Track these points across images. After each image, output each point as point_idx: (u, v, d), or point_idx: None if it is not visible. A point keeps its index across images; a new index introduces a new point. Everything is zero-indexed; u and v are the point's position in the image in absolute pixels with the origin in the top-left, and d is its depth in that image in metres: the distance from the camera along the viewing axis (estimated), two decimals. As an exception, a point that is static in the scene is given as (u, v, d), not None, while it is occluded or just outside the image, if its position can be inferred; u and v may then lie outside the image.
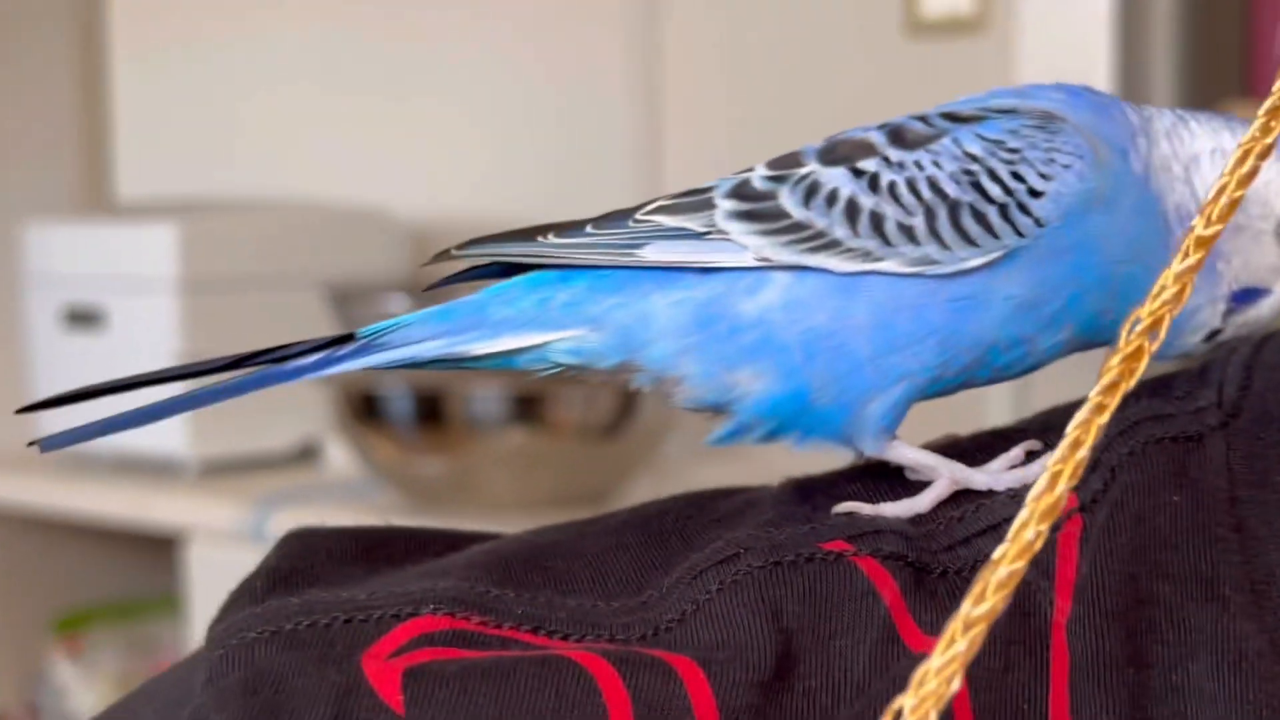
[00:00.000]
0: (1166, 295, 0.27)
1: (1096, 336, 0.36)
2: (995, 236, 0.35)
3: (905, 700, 0.25)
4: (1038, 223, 0.35)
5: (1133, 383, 0.27)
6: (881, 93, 1.48)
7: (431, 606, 0.32)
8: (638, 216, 0.37)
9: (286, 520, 1.26)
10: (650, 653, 0.32)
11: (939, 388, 0.35)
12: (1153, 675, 0.31)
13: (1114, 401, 0.26)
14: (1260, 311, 0.36)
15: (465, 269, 0.38)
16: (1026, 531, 0.26)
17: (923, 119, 0.36)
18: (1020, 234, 0.35)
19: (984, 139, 0.35)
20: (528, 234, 0.37)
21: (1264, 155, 0.27)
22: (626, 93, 1.59)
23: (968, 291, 0.35)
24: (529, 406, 1.31)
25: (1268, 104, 0.27)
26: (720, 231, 0.36)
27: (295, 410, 1.47)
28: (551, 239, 0.36)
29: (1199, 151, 0.36)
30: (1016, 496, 0.34)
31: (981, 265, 0.34)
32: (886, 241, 0.35)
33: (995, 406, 1.15)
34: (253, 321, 1.47)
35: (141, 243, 1.47)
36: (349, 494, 1.37)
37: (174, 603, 1.49)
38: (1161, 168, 0.36)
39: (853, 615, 0.32)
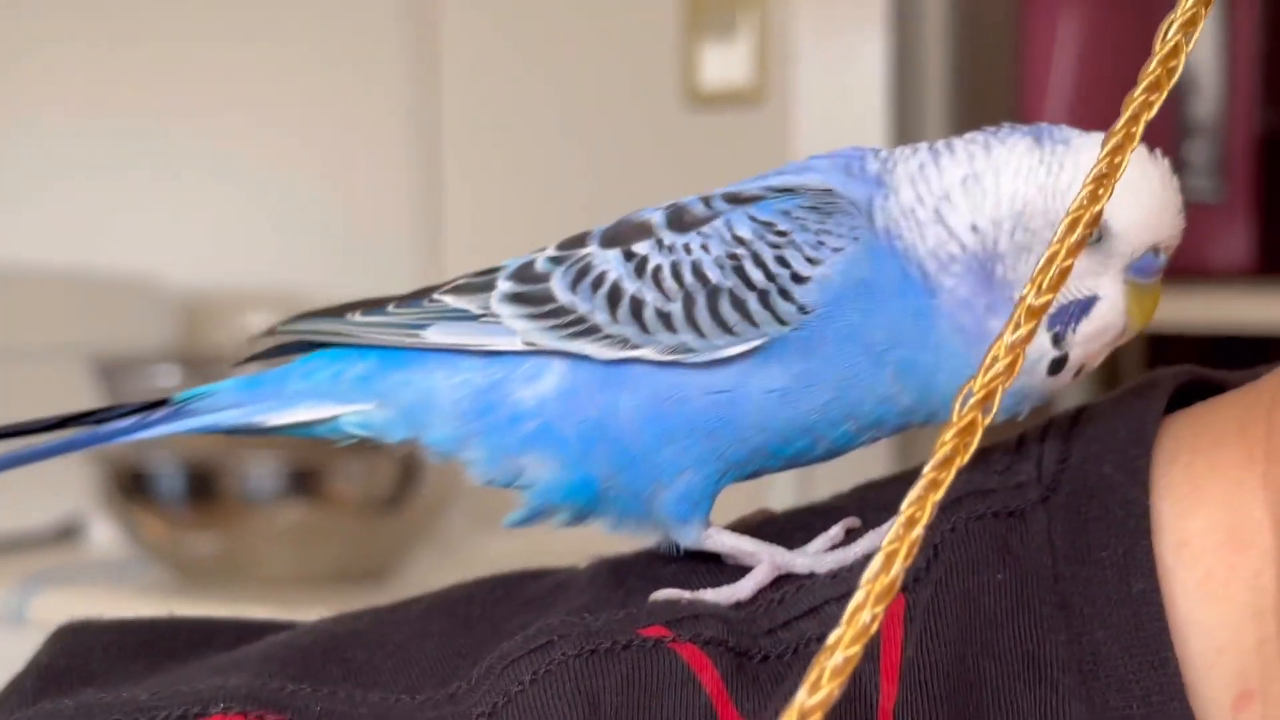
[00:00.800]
0: (998, 367, 0.26)
1: (902, 419, 0.34)
2: (754, 324, 0.33)
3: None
4: (801, 309, 0.33)
5: (967, 457, 0.26)
6: (661, 164, 1.49)
7: (222, 705, 0.30)
8: (434, 295, 0.36)
9: (49, 601, 1.21)
10: None
11: (734, 477, 0.34)
12: None
13: (949, 476, 0.25)
14: (1100, 320, 0.34)
15: (276, 346, 0.39)
16: (862, 615, 0.25)
17: (706, 200, 0.35)
18: (782, 321, 0.33)
19: (756, 221, 0.34)
20: (339, 311, 0.37)
21: (1092, 224, 0.27)
22: (405, 163, 1.57)
23: (728, 382, 0.33)
24: (306, 480, 1.27)
25: (1094, 171, 0.27)
26: (493, 315, 0.35)
27: (56, 486, 1.41)
28: (356, 316, 0.37)
29: (950, 185, 0.34)
30: (837, 576, 0.33)
31: (740, 355, 0.33)
32: (644, 329, 0.34)
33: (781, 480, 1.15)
34: (16, 393, 1.41)
35: (-105, 311, 1.40)
36: (115, 573, 1.31)
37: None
38: (904, 216, 0.34)
39: (674, 704, 0.31)
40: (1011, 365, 0.26)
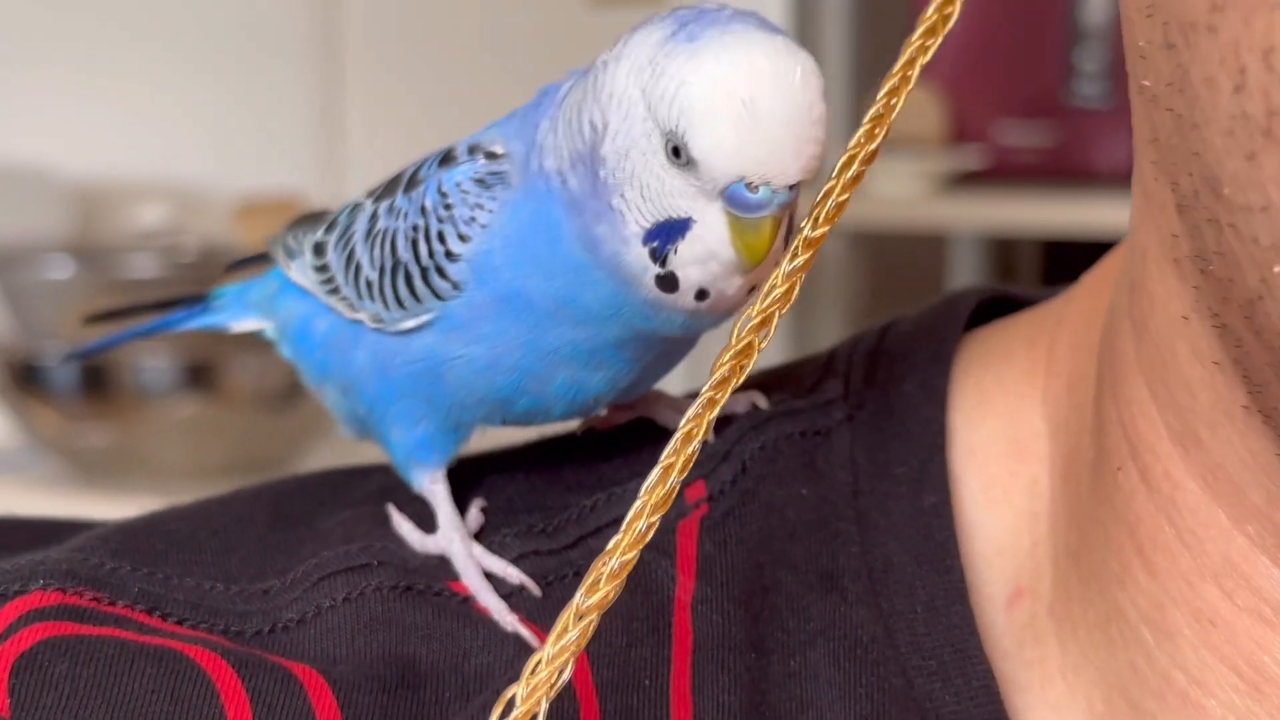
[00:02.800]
0: (776, 293, 0.28)
1: (628, 354, 0.33)
2: (418, 300, 0.34)
3: (517, 689, 0.25)
4: (454, 286, 0.33)
5: (743, 378, 0.27)
6: (564, 63, 1.48)
7: (41, 582, 0.31)
8: (313, 226, 0.38)
9: (-62, 494, 1.21)
10: (270, 657, 0.31)
11: (470, 429, 0.35)
12: (773, 661, 0.32)
13: (725, 395, 0.27)
14: (699, 244, 0.30)
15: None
16: (639, 522, 0.26)
17: (443, 154, 0.34)
18: (440, 298, 0.33)
19: (438, 192, 0.34)
20: (309, 219, 0.39)
21: (868, 161, 0.28)
22: (304, 57, 1.56)
23: (420, 352, 0.34)
24: (200, 374, 1.28)
25: (871, 111, 0.28)
26: (303, 256, 0.37)
27: (-52, 378, 1.40)
28: (288, 235, 0.39)
29: (597, 76, 0.31)
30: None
31: (420, 326, 0.34)
32: (359, 295, 0.35)
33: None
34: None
35: None
36: (9, 465, 1.32)
37: None
38: (555, 146, 0.32)
39: (484, 641, 0.32)
40: (788, 293, 0.28)
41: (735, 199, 0.29)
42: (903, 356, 0.36)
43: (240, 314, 0.40)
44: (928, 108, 1.46)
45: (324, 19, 1.55)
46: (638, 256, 0.31)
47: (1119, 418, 0.31)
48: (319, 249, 0.37)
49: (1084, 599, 0.32)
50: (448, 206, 0.33)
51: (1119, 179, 1.48)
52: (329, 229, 0.37)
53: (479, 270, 0.33)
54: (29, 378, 1.28)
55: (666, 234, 0.30)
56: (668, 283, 0.31)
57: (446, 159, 0.34)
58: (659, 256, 0.30)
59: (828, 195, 0.28)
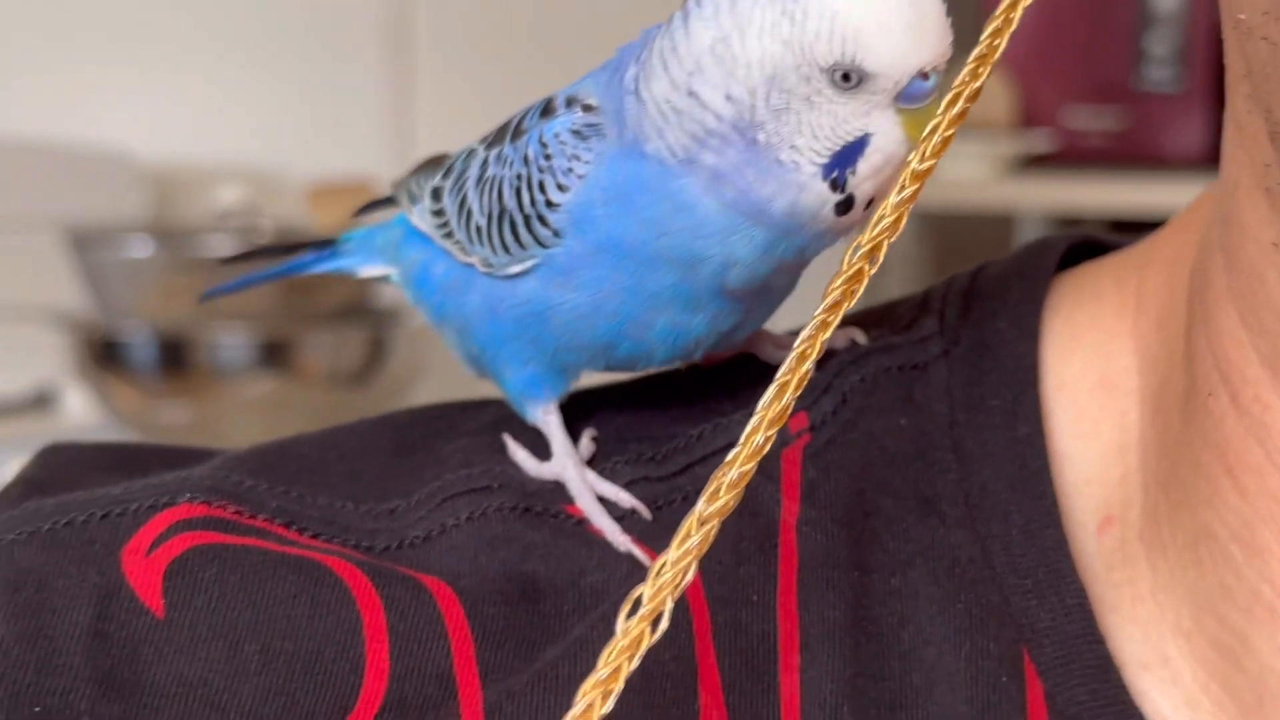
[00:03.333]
0: (885, 223, 0.29)
1: (726, 307, 0.34)
2: (523, 247, 0.35)
3: (644, 589, 0.27)
4: (556, 234, 0.35)
5: (853, 302, 0.29)
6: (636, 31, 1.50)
7: (188, 495, 0.33)
8: (431, 170, 0.39)
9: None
10: (400, 569, 0.33)
11: (576, 372, 0.36)
12: (875, 579, 0.34)
13: (836, 319, 0.29)
14: (878, 154, 0.32)
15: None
16: (756, 436, 0.28)
17: (545, 104, 0.36)
18: (543, 245, 0.35)
19: (540, 142, 0.35)
20: (430, 164, 0.40)
21: (973, 98, 0.30)
22: (378, 39, 1.58)
23: (525, 295, 0.35)
24: (276, 352, 1.30)
25: (976, 51, 0.29)
26: (423, 201, 0.39)
27: (30, 355, 1.43)
28: (411, 177, 0.40)
29: (700, 52, 0.32)
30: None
31: (525, 271, 0.35)
32: (471, 239, 0.36)
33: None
34: (-12, 263, 1.43)
35: None
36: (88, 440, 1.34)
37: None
38: (656, 108, 0.33)
39: (599, 560, 0.34)
40: (896, 222, 0.29)
41: (911, 92, 0.32)
42: (996, 296, 0.37)
43: (367, 259, 0.41)
44: (998, 92, 1.47)
45: (396, 5, 1.57)
46: (817, 194, 0.33)
47: (1209, 347, 0.32)
48: (436, 193, 0.38)
49: (1173, 522, 0.33)
50: (548, 157, 0.35)
51: (1188, 163, 1.48)
52: (445, 174, 0.38)
53: (578, 220, 0.34)
54: (109, 355, 1.30)
55: (844, 160, 0.32)
56: (844, 206, 0.33)
57: (547, 110, 0.35)
58: (839, 184, 0.32)
59: (934, 130, 0.29)
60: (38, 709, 0.30)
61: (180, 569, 0.32)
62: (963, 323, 0.37)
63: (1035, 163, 1.50)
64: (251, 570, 0.32)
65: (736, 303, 0.35)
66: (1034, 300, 0.37)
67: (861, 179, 0.32)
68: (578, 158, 0.34)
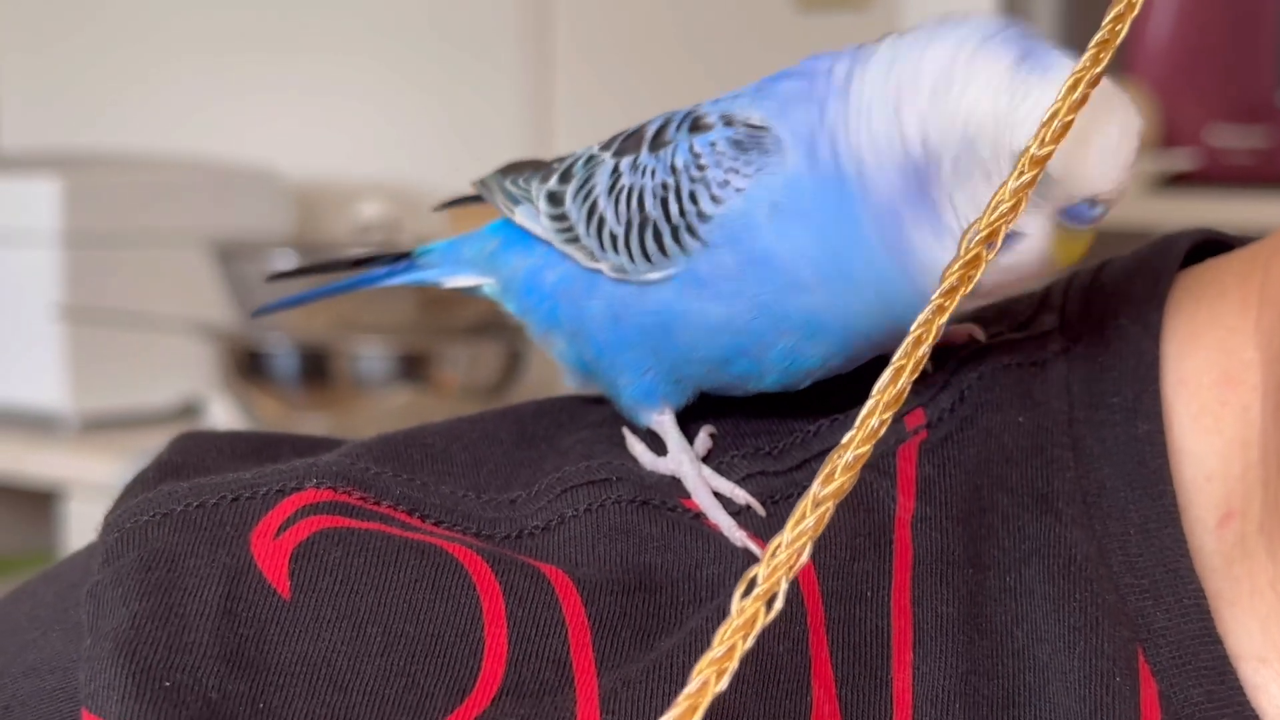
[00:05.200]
0: (1003, 208, 0.29)
1: (858, 337, 0.34)
2: (666, 255, 0.35)
3: (759, 569, 0.27)
4: (704, 244, 0.34)
5: (970, 288, 0.29)
6: (771, 65, 1.50)
7: (315, 480, 0.34)
8: (534, 174, 0.39)
9: (169, 472, 1.26)
10: (520, 557, 0.34)
11: (694, 386, 0.36)
12: (989, 576, 0.33)
13: (953, 303, 0.29)
14: (1020, 255, 0.33)
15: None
16: (871, 420, 0.28)
17: (689, 117, 0.36)
18: (686, 254, 0.35)
19: (690, 152, 0.35)
20: (522, 168, 0.40)
21: (1094, 84, 0.30)
22: (517, 59, 1.60)
23: (657, 304, 0.35)
24: (415, 365, 1.32)
25: (1098, 37, 0.29)
26: (535, 204, 0.38)
27: (176, 367, 1.47)
28: (507, 180, 0.40)
29: (924, 74, 0.33)
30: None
31: (663, 279, 0.35)
32: (602, 246, 0.36)
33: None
34: (135, 277, 1.46)
35: (24, 195, 1.46)
36: (232, 449, 1.37)
37: (52, 559, 1.49)
38: (856, 114, 0.33)
39: (715, 554, 0.34)
40: (1015, 206, 0.29)
41: (1078, 214, 0.32)
42: (1118, 292, 0.37)
43: (454, 270, 0.41)
44: (1140, 110, 1.45)
45: (535, 23, 1.59)
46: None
47: None
48: (554, 197, 0.38)
49: None
50: (701, 167, 0.35)
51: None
52: (563, 178, 0.38)
53: (731, 231, 0.34)
54: (252, 366, 1.33)
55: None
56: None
57: (697, 125, 0.36)
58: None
59: (1054, 116, 0.29)
60: (167, 684, 0.31)
61: (306, 552, 0.33)
62: (1083, 319, 0.37)
63: (1178, 181, 1.48)
64: (375, 555, 0.33)
65: (852, 339, 0.35)
66: (1156, 297, 0.36)
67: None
68: (735, 170, 0.34)
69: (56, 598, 0.35)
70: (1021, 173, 0.29)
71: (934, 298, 0.29)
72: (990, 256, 0.29)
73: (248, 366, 1.34)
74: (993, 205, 0.29)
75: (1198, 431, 0.35)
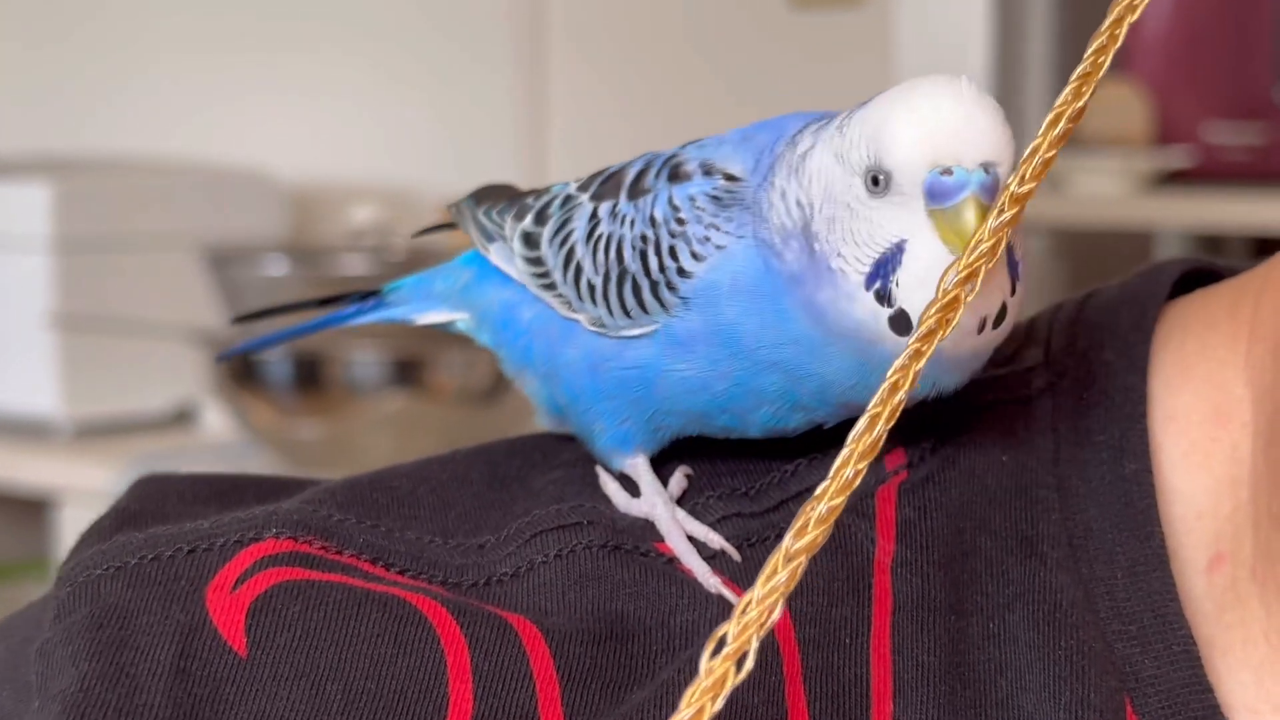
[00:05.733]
0: (983, 248, 0.28)
1: (823, 408, 0.33)
2: (645, 311, 0.34)
3: (728, 627, 0.26)
4: (684, 303, 0.33)
5: (948, 331, 0.28)
6: (765, 64, 1.50)
7: (274, 530, 0.33)
8: (506, 209, 0.38)
9: (161, 481, 1.26)
10: (487, 607, 0.33)
11: (674, 434, 0.35)
12: (972, 623, 0.33)
13: (931, 348, 0.28)
14: (915, 261, 0.31)
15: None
16: (846, 470, 0.27)
17: (667, 161, 0.35)
18: (669, 312, 0.34)
19: (669, 204, 0.34)
20: (493, 193, 0.39)
21: (1075, 119, 0.29)
22: (510, 61, 1.59)
23: (636, 359, 0.34)
24: (408, 370, 1.31)
25: (1079, 70, 0.28)
26: (509, 244, 0.37)
27: (169, 373, 1.46)
28: (479, 211, 0.38)
29: (798, 161, 0.33)
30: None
31: (642, 335, 0.34)
32: (580, 296, 0.35)
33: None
34: (128, 282, 1.46)
35: (15, 201, 1.45)
36: (225, 456, 1.36)
37: (45, 565, 1.48)
38: (777, 198, 0.33)
39: (689, 599, 0.33)
40: (994, 248, 0.28)
41: (933, 190, 0.31)
42: (1104, 325, 0.36)
43: (425, 306, 0.39)
44: (1133, 106, 1.44)
45: (529, 25, 1.58)
46: (866, 307, 0.31)
47: None
48: (529, 239, 0.37)
49: None
50: (680, 221, 0.34)
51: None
52: (538, 219, 0.37)
53: (705, 294, 0.33)
54: (245, 373, 1.32)
55: (884, 268, 0.31)
56: (900, 323, 0.31)
57: (676, 174, 0.34)
58: (884, 295, 0.31)
59: (1035, 151, 0.29)
60: None
61: (264, 606, 0.32)
62: (1069, 354, 0.36)
63: (1174, 179, 1.47)
64: (335, 608, 0.32)
65: (837, 405, 0.34)
66: (1143, 330, 0.35)
67: (907, 290, 0.31)
68: (716, 227, 0.33)
69: (8, 653, 0.34)
70: (1001, 211, 0.28)
71: (911, 341, 0.28)
72: (969, 299, 0.28)
73: (241, 372, 1.33)
74: (972, 245, 0.28)
75: (1187, 469, 0.34)
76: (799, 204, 0.32)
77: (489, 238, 0.38)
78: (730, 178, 0.34)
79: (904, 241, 0.31)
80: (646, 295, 0.34)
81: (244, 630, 0.31)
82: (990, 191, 0.30)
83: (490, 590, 0.33)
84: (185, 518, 0.34)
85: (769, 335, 0.33)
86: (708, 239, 0.33)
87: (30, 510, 1.50)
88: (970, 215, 0.30)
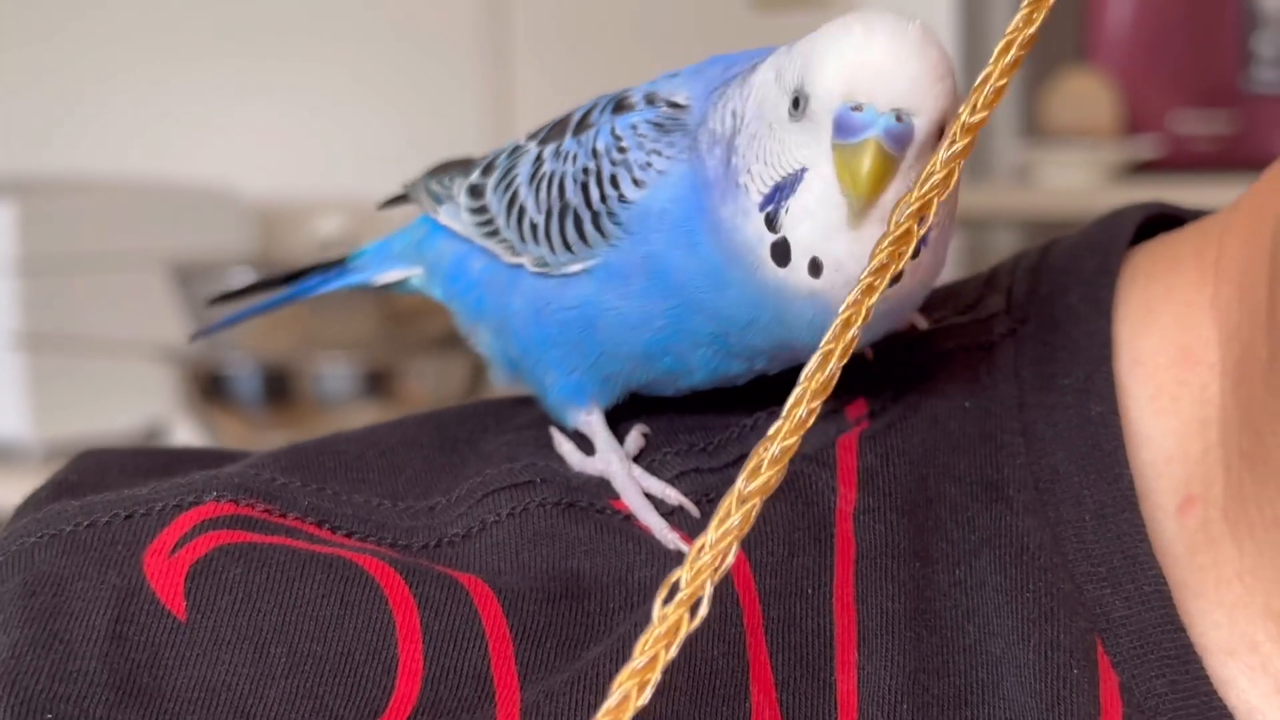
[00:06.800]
0: (935, 179, 0.27)
1: (766, 348, 0.33)
2: (587, 244, 0.33)
3: (681, 573, 0.25)
4: (625, 231, 0.33)
5: (901, 265, 0.27)
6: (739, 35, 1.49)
7: (215, 494, 0.32)
8: (458, 173, 0.38)
9: (130, 498, 1.25)
10: (437, 568, 0.32)
11: (624, 384, 0.34)
12: (938, 570, 0.32)
13: (884, 282, 0.27)
14: (810, 193, 0.30)
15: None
16: (799, 409, 0.26)
17: (615, 99, 0.34)
18: (608, 242, 0.33)
19: (612, 134, 0.33)
20: (445, 169, 0.39)
21: (1026, 45, 0.28)
22: (475, 72, 1.58)
23: (576, 299, 0.34)
24: (379, 381, 1.30)
25: (1028, -7, 0.28)
26: (456, 200, 0.37)
27: (138, 391, 1.45)
28: (432, 180, 0.39)
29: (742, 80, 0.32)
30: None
31: (583, 271, 0.33)
32: (523, 238, 0.35)
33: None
34: (94, 302, 1.44)
35: (-23, 221, 1.44)
36: (196, 473, 1.35)
37: (17, 588, 1.47)
38: (716, 122, 0.32)
39: (646, 556, 0.32)
40: (946, 179, 0.27)
41: (840, 122, 0.30)
42: (1067, 271, 0.35)
43: (383, 266, 0.40)
44: (1100, 97, 1.44)
45: (491, 32, 1.57)
46: (754, 228, 0.31)
47: None
48: (475, 190, 0.36)
49: (1260, 500, 0.31)
50: (621, 149, 0.33)
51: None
52: (485, 171, 0.36)
53: (642, 220, 0.33)
54: (213, 388, 1.31)
55: (781, 192, 0.30)
56: (780, 252, 0.30)
57: (620, 106, 0.34)
58: (773, 220, 0.30)
59: (986, 79, 0.28)
60: (49, 716, 0.29)
61: (204, 569, 0.31)
62: (1031, 300, 0.35)
63: (1142, 169, 1.47)
64: (278, 570, 0.31)
65: (774, 359, 0.33)
66: (1107, 273, 0.35)
67: (793, 219, 0.30)
68: (658, 152, 0.33)
69: None
70: (953, 142, 0.28)
71: (863, 276, 0.27)
72: (922, 231, 0.27)
73: (210, 388, 1.32)
74: (924, 177, 0.28)
75: (1155, 413, 0.33)
76: (734, 114, 0.32)
77: (439, 201, 0.38)
78: (675, 105, 0.33)
79: (804, 170, 0.30)
80: (588, 226, 0.33)
81: (183, 594, 0.30)
82: (897, 140, 0.29)
83: (441, 551, 0.32)
84: (124, 488, 0.33)
85: (690, 264, 0.32)
86: (649, 164, 0.33)
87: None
88: (867, 158, 0.29)
